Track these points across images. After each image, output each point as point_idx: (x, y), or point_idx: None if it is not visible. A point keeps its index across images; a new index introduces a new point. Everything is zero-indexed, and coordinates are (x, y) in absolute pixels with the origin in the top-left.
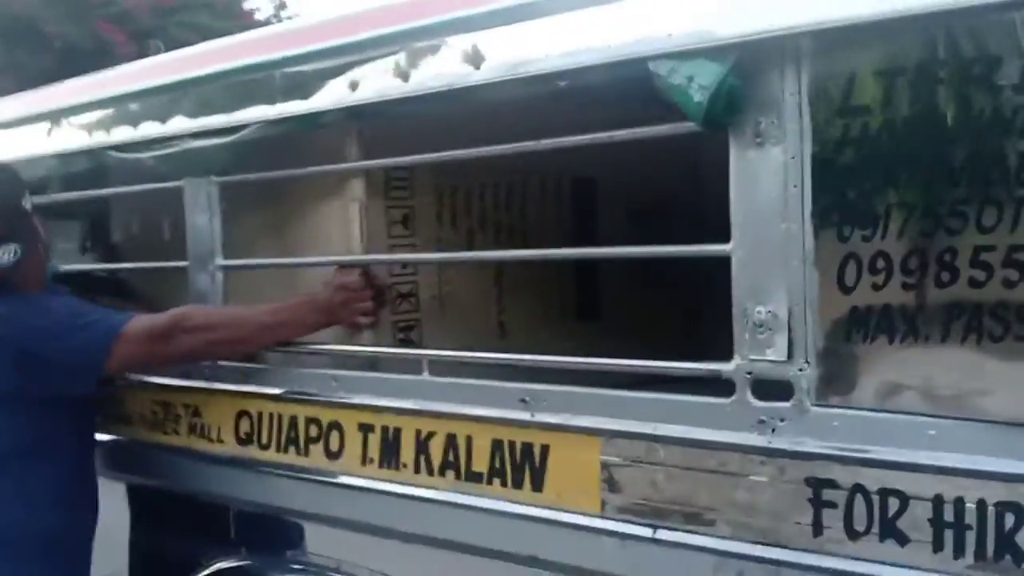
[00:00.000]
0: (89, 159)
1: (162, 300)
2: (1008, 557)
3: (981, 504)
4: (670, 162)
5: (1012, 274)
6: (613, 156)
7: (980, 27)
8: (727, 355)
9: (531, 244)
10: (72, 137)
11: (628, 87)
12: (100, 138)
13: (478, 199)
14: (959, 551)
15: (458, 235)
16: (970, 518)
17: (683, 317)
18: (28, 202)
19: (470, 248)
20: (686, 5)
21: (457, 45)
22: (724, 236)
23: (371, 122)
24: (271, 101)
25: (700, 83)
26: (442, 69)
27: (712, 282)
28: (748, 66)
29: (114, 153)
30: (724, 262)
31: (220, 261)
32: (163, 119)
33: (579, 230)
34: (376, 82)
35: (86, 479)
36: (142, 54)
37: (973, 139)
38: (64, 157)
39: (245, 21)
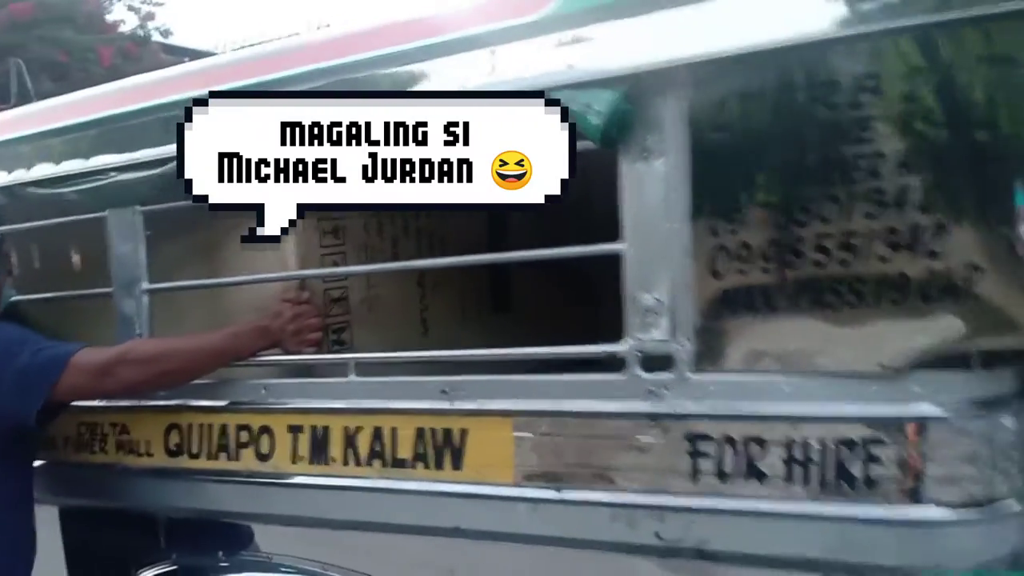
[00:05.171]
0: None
1: (72, 330)
2: (844, 484)
3: (822, 442)
4: None
5: (847, 256)
6: None
7: (815, 58)
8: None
9: (449, 245)
10: None
11: None
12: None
13: None
14: (805, 482)
15: (384, 242)
16: (814, 454)
17: (582, 305)
18: None
19: (395, 254)
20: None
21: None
22: (609, 231)
23: None
24: None
25: (596, 109)
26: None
27: (604, 273)
28: (636, 94)
29: (35, 189)
30: (616, 258)
31: (145, 285)
32: (87, 155)
33: (492, 227)
34: None
35: (28, 515)
36: (3, 72)
37: (813, 148)
38: None
39: (109, 34)
